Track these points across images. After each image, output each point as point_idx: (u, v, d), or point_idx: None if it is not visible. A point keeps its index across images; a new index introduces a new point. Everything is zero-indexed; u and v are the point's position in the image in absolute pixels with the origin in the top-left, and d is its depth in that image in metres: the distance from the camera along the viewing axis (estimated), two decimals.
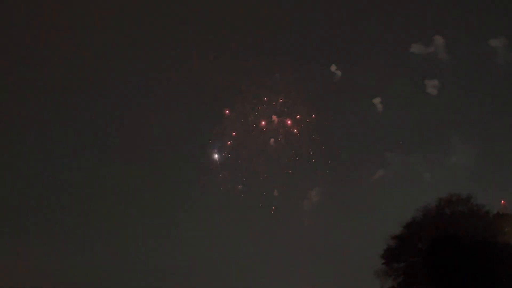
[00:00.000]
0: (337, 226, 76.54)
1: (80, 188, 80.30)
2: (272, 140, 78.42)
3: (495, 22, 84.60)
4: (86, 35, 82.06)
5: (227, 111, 77.89)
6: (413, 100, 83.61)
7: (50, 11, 79.83)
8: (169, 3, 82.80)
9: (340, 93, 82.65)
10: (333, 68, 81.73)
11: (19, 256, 73.53)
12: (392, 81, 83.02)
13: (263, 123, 78.22)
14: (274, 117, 78.44)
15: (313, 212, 78.24)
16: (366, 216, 76.01)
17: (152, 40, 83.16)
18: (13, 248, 73.44)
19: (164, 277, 74.68)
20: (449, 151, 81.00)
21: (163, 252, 77.46)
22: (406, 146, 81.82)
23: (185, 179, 78.75)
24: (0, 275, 70.68)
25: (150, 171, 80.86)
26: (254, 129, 78.23)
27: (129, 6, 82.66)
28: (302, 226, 77.97)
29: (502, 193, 68.64)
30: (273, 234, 77.57)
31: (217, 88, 79.17)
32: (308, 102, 78.83)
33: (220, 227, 77.01)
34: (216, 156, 77.68)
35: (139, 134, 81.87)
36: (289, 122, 78.37)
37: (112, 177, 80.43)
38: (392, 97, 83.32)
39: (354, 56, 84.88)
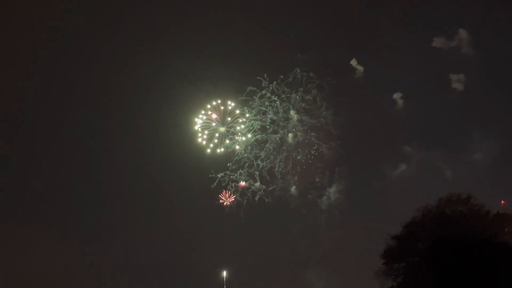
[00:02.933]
0: (353, 225, 75.85)
1: (88, 189, 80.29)
2: (290, 135, 77.92)
3: None
4: (88, 36, 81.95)
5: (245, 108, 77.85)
6: (436, 95, 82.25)
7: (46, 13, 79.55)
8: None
9: (360, 87, 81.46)
10: (354, 62, 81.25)
11: (19, 256, 73.77)
12: (413, 76, 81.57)
13: (281, 119, 77.91)
14: (293, 113, 78.03)
15: (330, 210, 77.50)
16: (385, 214, 74.82)
17: (173, 36, 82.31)
18: (13, 248, 73.82)
19: (176, 276, 75.48)
20: (471, 148, 79.74)
21: (175, 251, 77.51)
22: (427, 142, 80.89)
23: (201, 176, 78.03)
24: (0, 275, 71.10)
25: (163, 167, 79.79)
26: (272, 125, 77.89)
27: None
28: (317, 224, 77.51)
29: None
30: (287, 233, 77.78)
31: (235, 84, 78.31)
32: (328, 97, 78.29)
33: (235, 224, 76.86)
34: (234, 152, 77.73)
35: (151, 131, 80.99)
36: (307, 117, 78.02)
37: (125, 178, 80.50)
38: (413, 92, 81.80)
39: (374, 50, 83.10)
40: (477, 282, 50.63)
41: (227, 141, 77.37)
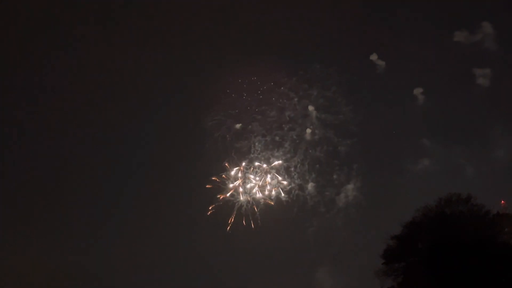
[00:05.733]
0: (369, 223, 74.01)
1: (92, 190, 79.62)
2: (308, 131, 77.49)
3: None
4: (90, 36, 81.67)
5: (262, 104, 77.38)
6: (459, 90, 79.41)
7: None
8: None
9: (380, 83, 79.99)
10: (374, 57, 79.34)
11: (19, 256, 73.27)
12: (434, 71, 79.44)
13: (298, 115, 77.32)
14: (311, 108, 77.75)
15: (347, 208, 75.93)
16: (400, 212, 73.02)
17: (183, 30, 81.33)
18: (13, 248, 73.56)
19: (191, 276, 75.25)
20: (494, 145, 77.27)
21: (181, 249, 77.01)
22: (448, 139, 78.71)
23: (215, 173, 77.90)
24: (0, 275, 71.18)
25: (176, 164, 78.88)
26: (289, 121, 77.61)
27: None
28: (334, 223, 76.00)
29: None
30: (303, 232, 76.16)
31: (253, 80, 77.95)
32: (347, 93, 76.89)
33: (251, 220, 74.72)
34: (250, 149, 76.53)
35: (154, 131, 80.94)
36: (326, 114, 77.36)
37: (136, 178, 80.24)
38: (434, 87, 79.39)
39: (393, 44, 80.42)
40: (477, 282, 50.80)
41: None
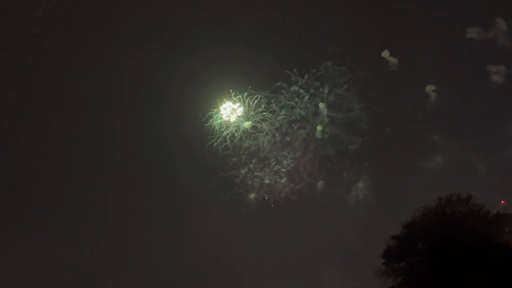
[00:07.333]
0: (378, 222, 72.31)
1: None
2: (318, 128, 77.26)
3: None
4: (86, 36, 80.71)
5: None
6: (472, 88, 78.52)
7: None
8: None
9: (392, 80, 78.69)
10: (386, 54, 78.12)
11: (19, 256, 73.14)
12: (446, 68, 77.96)
13: (309, 113, 77.29)
14: (322, 106, 77.62)
15: (357, 207, 75.17)
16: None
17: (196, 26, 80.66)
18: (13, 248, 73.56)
19: (198, 275, 74.63)
20: (508, 143, 75.76)
21: (187, 250, 75.75)
22: (461, 137, 77.32)
23: (224, 172, 77.83)
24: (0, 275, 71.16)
25: (185, 163, 77.91)
26: (300, 120, 77.72)
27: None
28: (343, 222, 74.77)
29: None
30: (312, 231, 75.56)
31: (263, 77, 78.35)
32: (359, 91, 75.50)
33: (260, 219, 75.05)
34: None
35: (159, 128, 79.10)
36: (337, 112, 77.21)
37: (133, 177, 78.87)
38: (447, 85, 77.90)
39: (405, 41, 79.53)
40: (477, 282, 50.65)
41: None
